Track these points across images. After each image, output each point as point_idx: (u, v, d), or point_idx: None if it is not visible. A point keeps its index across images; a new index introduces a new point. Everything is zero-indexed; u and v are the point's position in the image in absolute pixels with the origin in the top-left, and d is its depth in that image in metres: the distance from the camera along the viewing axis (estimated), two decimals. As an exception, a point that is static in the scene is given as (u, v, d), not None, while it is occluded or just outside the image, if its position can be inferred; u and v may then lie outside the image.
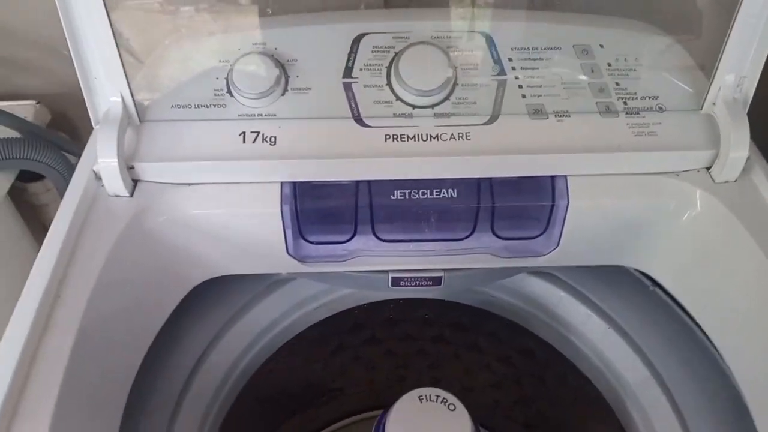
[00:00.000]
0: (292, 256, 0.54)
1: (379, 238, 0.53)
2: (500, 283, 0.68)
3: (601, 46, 0.55)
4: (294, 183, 0.51)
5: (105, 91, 0.49)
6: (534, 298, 0.67)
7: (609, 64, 0.54)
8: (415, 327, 0.85)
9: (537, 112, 0.52)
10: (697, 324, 0.56)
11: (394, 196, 0.52)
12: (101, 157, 0.48)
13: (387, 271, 0.58)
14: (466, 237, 0.54)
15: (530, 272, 0.66)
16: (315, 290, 0.69)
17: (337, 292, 0.69)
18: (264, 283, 0.65)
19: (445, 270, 0.58)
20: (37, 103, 0.72)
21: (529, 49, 0.54)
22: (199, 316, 0.63)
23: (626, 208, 0.52)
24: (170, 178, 0.50)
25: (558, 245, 0.54)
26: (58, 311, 0.43)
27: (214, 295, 0.63)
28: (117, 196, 0.49)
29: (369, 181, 0.52)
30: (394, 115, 0.52)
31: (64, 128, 0.81)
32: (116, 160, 0.47)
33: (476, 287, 0.68)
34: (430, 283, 0.58)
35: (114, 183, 0.48)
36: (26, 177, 0.78)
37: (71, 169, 0.65)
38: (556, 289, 0.64)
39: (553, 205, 0.52)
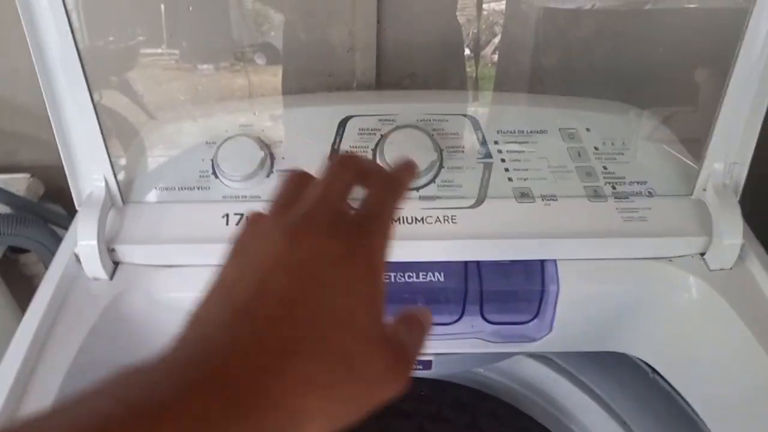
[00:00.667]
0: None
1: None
2: (495, 364, 0.66)
3: (588, 129, 0.55)
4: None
5: (88, 174, 0.49)
6: (529, 381, 0.64)
7: (596, 148, 0.54)
8: (412, 404, 0.82)
9: (524, 196, 0.52)
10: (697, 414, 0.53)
11: (390, 279, 0.51)
12: (81, 239, 0.47)
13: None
14: (455, 321, 0.52)
15: (526, 354, 0.64)
16: None
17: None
18: None
19: (435, 354, 0.56)
20: (31, 176, 0.73)
21: (515, 132, 0.54)
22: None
23: (619, 294, 0.51)
24: (151, 260, 0.50)
25: (551, 330, 0.52)
26: (30, 394, 0.42)
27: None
28: (96, 278, 0.48)
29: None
30: (380, 197, 0.51)
31: (60, 200, 0.82)
32: (96, 243, 0.47)
33: (469, 370, 0.66)
34: (420, 366, 0.56)
35: (93, 266, 0.48)
36: (18, 248, 0.78)
37: (58, 244, 0.65)
38: (551, 373, 0.62)
39: (543, 290, 0.51)
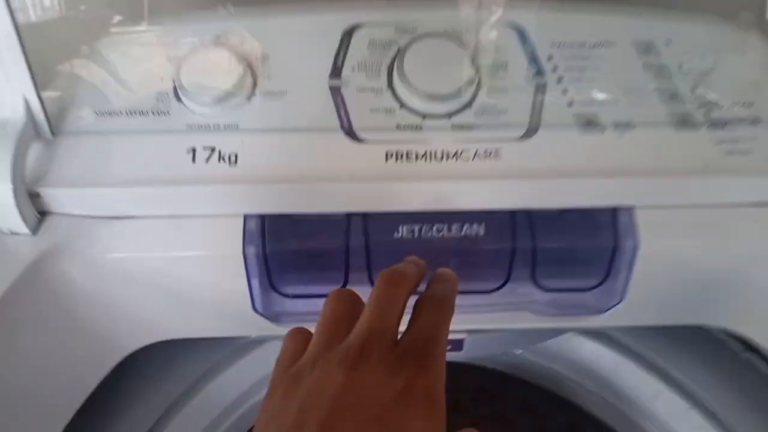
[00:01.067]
0: (260, 313, 0.40)
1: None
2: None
3: (669, 42, 0.42)
4: (261, 216, 0.38)
5: (1, 94, 0.36)
6: (579, 362, 0.52)
7: (680, 65, 0.41)
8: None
9: (589, 124, 0.39)
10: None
11: (398, 233, 0.38)
12: (-9, 180, 0.34)
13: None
14: (498, 288, 0.40)
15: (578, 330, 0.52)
16: None
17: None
18: (227, 348, 0.51)
19: (468, 332, 0.44)
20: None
21: (574, 45, 0.41)
22: (144, 390, 0.48)
23: (716, 250, 0.38)
24: (91, 209, 0.37)
25: (622, 299, 0.40)
26: None
27: (164, 361, 0.49)
28: (14, 233, 0.36)
29: (364, 214, 0.38)
30: (398, 126, 0.38)
31: None
32: (11, 186, 0.34)
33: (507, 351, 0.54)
34: (449, 347, 0.44)
35: (8, 216, 0.35)
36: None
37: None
38: (610, 353, 0.49)
39: (615, 247, 0.38)
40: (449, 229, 0.38)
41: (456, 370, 0.65)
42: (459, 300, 0.41)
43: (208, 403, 0.49)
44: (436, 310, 0.29)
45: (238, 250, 0.37)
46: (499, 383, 0.65)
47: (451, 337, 0.45)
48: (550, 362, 0.54)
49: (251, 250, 0.37)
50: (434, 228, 0.38)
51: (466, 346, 0.44)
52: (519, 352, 0.57)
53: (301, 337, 0.29)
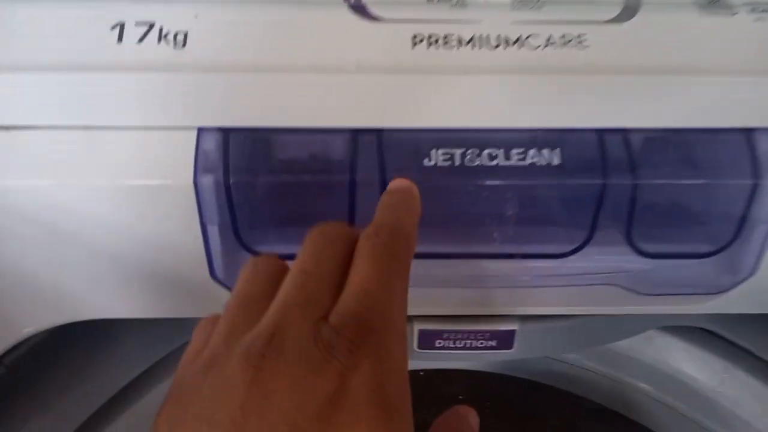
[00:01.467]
0: (221, 282, 0.27)
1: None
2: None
3: None
4: (223, 130, 0.25)
5: None
6: (665, 373, 0.39)
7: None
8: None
9: (712, 3, 0.26)
10: None
11: (429, 159, 0.25)
12: None
13: (410, 320, 0.31)
14: (574, 251, 0.27)
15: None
16: None
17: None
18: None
19: (521, 319, 0.31)
20: None
21: None
22: (48, 398, 0.35)
23: None
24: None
25: (752, 273, 0.27)
26: None
27: (89, 353, 0.36)
28: None
29: (378, 130, 0.25)
30: None
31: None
32: None
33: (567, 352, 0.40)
34: (493, 343, 0.31)
35: None
36: None
37: None
38: (714, 360, 0.36)
39: (752, 193, 0.26)
40: (506, 156, 0.25)
41: (481, 378, 0.52)
42: (515, 269, 0.28)
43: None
44: (382, 256, 0.19)
45: (187, 181, 0.24)
46: (539, 398, 0.52)
47: (496, 326, 0.32)
48: (618, 371, 0.41)
49: (206, 181, 0.25)
50: (484, 153, 0.25)
51: (517, 342, 0.31)
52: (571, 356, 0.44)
53: (212, 328, 0.19)
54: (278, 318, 0.18)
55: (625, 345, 0.40)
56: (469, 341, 0.32)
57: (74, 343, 0.34)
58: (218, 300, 0.28)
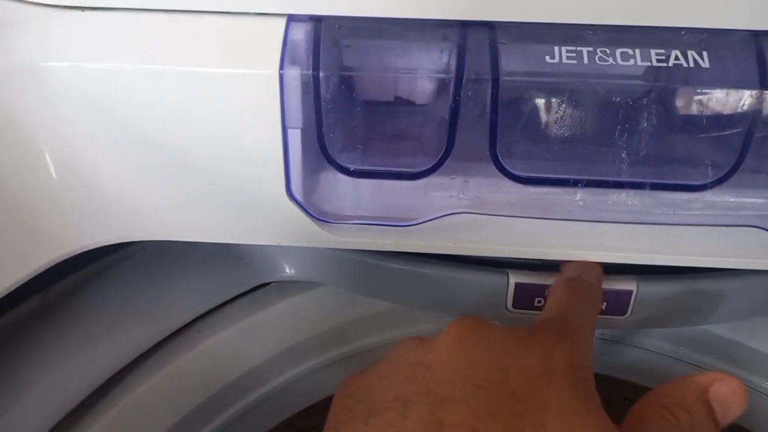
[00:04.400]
0: (298, 203, 0.24)
1: (506, 171, 0.22)
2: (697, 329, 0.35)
3: None
4: (316, 19, 0.22)
5: None
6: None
7: None
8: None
9: None
10: None
11: (553, 57, 0.21)
12: None
13: (506, 270, 0.27)
14: (720, 181, 0.22)
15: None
16: (340, 316, 0.36)
17: (388, 320, 0.37)
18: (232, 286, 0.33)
19: (639, 279, 0.26)
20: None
21: None
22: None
23: None
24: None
25: None
26: None
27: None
28: None
29: (491, 24, 0.22)
30: None
31: None
32: None
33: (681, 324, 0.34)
34: (604, 305, 0.26)
35: None
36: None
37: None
38: None
39: None
40: (644, 56, 0.21)
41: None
42: (641, 205, 0.24)
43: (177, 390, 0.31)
44: (571, 287, 0.24)
45: (271, 72, 0.21)
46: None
47: (614, 285, 0.28)
48: (715, 359, 0.35)
49: (293, 74, 0.21)
50: (617, 53, 0.21)
51: (633, 306, 0.26)
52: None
53: None
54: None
55: (727, 327, 0.34)
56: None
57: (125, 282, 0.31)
58: (292, 225, 0.24)
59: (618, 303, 0.27)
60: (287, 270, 0.32)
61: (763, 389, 0.33)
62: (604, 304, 0.27)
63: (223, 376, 0.31)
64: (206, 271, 0.33)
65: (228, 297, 0.32)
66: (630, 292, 0.26)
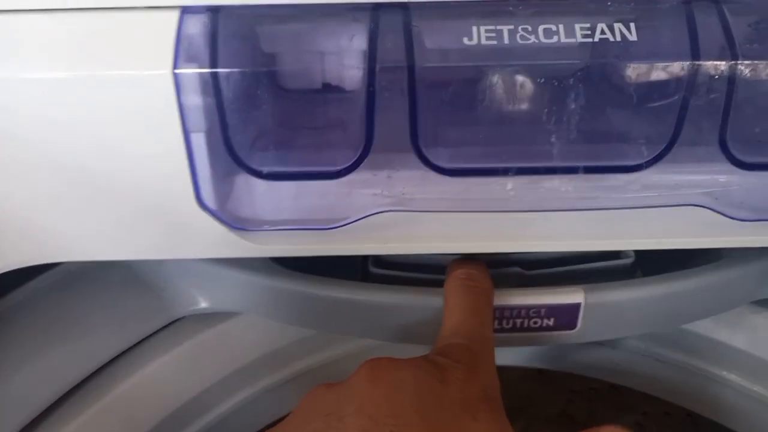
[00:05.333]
0: (211, 212, 0.22)
1: (428, 162, 0.21)
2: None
3: None
4: (213, 9, 0.20)
5: None
6: (761, 357, 0.32)
7: None
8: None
9: None
10: None
11: (470, 38, 0.20)
12: None
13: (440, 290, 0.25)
14: (654, 160, 0.21)
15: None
16: (275, 337, 0.34)
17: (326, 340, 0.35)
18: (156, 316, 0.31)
19: (587, 289, 0.25)
20: None
21: None
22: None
23: None
24: None
25: None
26: None
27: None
28: None
29: (404, 4, 0.20)
30: None
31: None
32: None
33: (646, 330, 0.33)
34: (549, 320, 0.25)
35: None
36: None
37: None
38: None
39: None
40: (568, 32, 0.20)
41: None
42: (575, 190, 0.23)
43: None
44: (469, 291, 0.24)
45: (165, 72, 0.19)
46: (598, 397, 0.46)
47: (560, 299, 0.26)
48: (696, 359, 0.34)
49: (189, 73, 0.19)
50: (539, 29, 0.20)
51: (582, 320, 0.25)
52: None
53: None
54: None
55: (707, 326, 0.33)
56: (519, 320, 0.26)
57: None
58: (208, 236, 0.22)
59: (566, 316, 0.25)
60: (202, 303, 0.30)
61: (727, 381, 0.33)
62: (552, 319, 0.25)
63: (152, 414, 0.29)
64: (117, 307, 0.30)
65: (143, 335, 0.30)
66: (578, 306, 0.25)
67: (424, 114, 0.20)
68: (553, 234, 0.23)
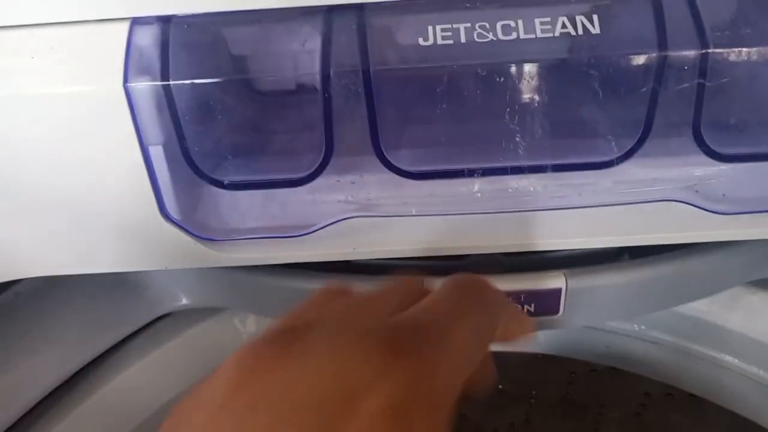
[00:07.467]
0: (175, 223, 0.22)
1: (391, 166, 0.20)
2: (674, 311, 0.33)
3: None
4: (164, 19, 0.20)
5: None
6: (756, 339, 0.31)
7: None
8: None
9: None
10: None
11: (426, 38, 0.19)
12: None
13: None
14: (625, 156, 0.20)
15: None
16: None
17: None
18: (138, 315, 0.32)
19: (568, 275, 0.24)
20: None
21: None
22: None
23: None
24: None
25: None
26: None
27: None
28: None
29: (360, 5, 0.20)
30: None
31: None
32: None
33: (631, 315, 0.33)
34: (530, 308, 0.25)
35: None
36: None
37: None
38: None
39: None
40: (527, 27, 0.19)
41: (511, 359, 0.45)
42: (544, 189, 0.22)
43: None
44: (455, 286, 0.18)
45: (116, 86, 0.19)
46: (597, 381, 0.45)
47: (539, 286, 0.26)
48: (694, 342, 0.34)
49: (141, 86, 0.19)
50: (498, 26, 0.19)
51: (564, 306, 0.25)
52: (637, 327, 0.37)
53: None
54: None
55: (703, 308, 0.32)
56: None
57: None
58: (175, 247, 0.22)
59: (547, 302, 0.25)
60: (184, 300, 0.30)
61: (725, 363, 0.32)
62: (532, 305, 0.25)
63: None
64: (100, 306, 0.31)
65: (127, 333, 0.30)
66: (558, 291, 0.24)
67: (384, 117, 0.20)
68: (526, 234, 0.22)
